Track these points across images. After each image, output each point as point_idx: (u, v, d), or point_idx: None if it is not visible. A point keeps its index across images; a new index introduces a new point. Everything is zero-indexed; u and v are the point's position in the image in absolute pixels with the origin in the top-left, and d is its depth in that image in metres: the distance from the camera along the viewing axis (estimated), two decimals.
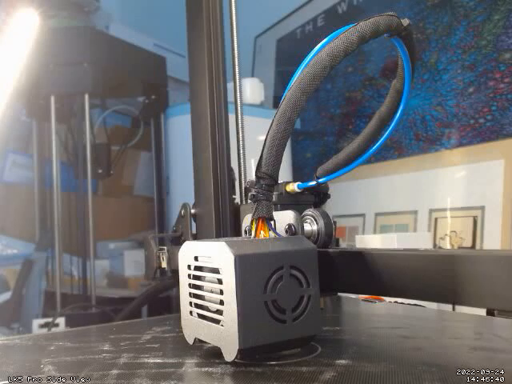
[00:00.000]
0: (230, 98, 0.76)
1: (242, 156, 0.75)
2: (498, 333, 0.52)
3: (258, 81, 1.85)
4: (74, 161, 1.82)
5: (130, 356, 0.44)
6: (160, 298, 1.80)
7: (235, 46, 0.78)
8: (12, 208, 1.92)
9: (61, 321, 1.47)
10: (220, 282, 0.38)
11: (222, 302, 0.38)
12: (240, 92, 0.78)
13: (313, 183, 0.51)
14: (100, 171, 1.81)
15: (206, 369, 0.39)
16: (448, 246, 1.44)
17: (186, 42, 0.78)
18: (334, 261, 0.45)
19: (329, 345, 0.45)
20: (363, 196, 1.78)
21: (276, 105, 2.11)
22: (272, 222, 0.42)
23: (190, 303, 0.43)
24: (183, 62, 2.12)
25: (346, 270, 0.45)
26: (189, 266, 0.43)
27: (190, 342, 0.43)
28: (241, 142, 0.76)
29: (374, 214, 1.72)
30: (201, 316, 0.42)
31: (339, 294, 0.70)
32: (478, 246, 1.37)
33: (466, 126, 1.49)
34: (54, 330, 1.42)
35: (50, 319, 1.47)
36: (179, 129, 1.77)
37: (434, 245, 1.45)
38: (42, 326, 1.45)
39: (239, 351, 0.36)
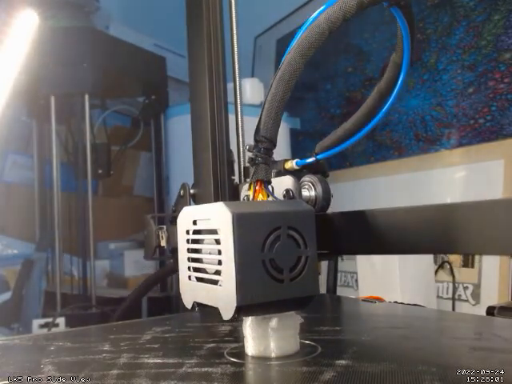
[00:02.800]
0: (230, 98, 0.76)
1: (242, 156, 0.75)
2: (498, 333, 0.52)
3: (258, 81, 1.85)
4: (74, 161, 1.82)
5: (130, 356, 0.44)
6: (160, 298, 1.81)
7: (235, 46, 0.78)
8: (12, 208, 1.92)
9: (61, 321, 1.47)
10: (218, 242, 0.38)
11: (220, 262, 0.38)
12: (240, 92, 0.78)
13: (311, 159, 0.51)
14: (100, 171, 1.81)
15: (206, 369, 0.39)
16: None
17: (186, 41, 0.78)
18: (332, 223, 0.45)
19: (329, 345, 0.45)
20: (363, 196, 1.78)
21: None
22: (270, 187, 0.42)
23: (189, 268, 0.43)
24: (183, 61, 2.12)
25: (346, 231, 0.45)
26: (187, 231, 0.43)
27: (189, 306, 0.43)
28: (241, 142, 0.76)
29: None
30: (199, 279, 0.42)
31: (338, 295, 0.70)
32: None
33: (465, 126, 1.49)
34: (53, 330, 1.42)
35: (50, 319, 1.47)
36: (179, 129, 1.77)
37: None
38: (42, 326, 1.45)
39: (237, 309, 0.36)
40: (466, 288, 1.38)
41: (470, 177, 1.43)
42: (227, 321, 0.37)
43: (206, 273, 0.40)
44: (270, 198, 0.42)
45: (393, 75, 0.48)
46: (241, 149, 0.76)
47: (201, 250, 0.41)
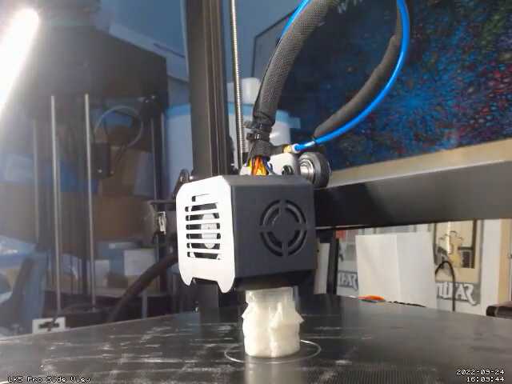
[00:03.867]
0: (230, 98, 0.76)
1: (242, 156, 0.75)
2: (498, 333, 0.52)
3: (258, 81, 1.85)
4: (73, 161, 1.82)
5: (130, 356, 0.44)
6: (160, 298, 1.81)
7: (235, 46, 0.78)
8: (12, 208, 1.91)
9: (61, 321, 1.47)
10: (217, 216, 0.38)
11: (218, 236, 0.38)
12: (240, 92, 0.78)
13: (310, 144, 0.51)
14: (100, 171, 1.81)
15: (206, 369, 0.39)
16: (448, 246, 1.44)
17: (186, 41, 0.78)
18: (332, 198, 0.45)
19: (329, 345, 0.45)
20: None
21: None
22: (269, 164, 0.42)
23: (188, 244, 0.43)
24: (183, 62, 2.12)
25: (345, 205, 0.45)
26: (186, 208, 0.43)
27: (188, 282, 0.43)
28: (241, 142, 0.76)
29: None
30: (198, 255, 0.42)
31: (338, 295, 0.70)
32: (477, 246, 1.37)
33: (465, 126, 1.49)
34: (54, 330, 1.42)
35: (50, 319, 1.47)
36: (179, 129, 1.77)
37: (434, 245, 1.45)
38: (42, 326, 1.45)
39: (235, 280, 0.36)
40: (466, 288, 1.38)
41: None
42: (226, 294, 0.37)
43: (205, 248, 0.41)
44: (269, 174, 0.42)
45: (392, 58, 0.48)
46: (241, 148, 0.76)
47: (199, 225, 0.41)
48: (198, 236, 0.42)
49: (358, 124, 0.52)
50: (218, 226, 0.38)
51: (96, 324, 0.66)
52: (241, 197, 0.36)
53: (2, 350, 0.51)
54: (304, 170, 0.49)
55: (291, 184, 0.40)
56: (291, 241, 0.38)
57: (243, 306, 0.44)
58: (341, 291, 1.70)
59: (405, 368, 0.36)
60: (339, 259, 1.68)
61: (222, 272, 0.37)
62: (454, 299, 1.39)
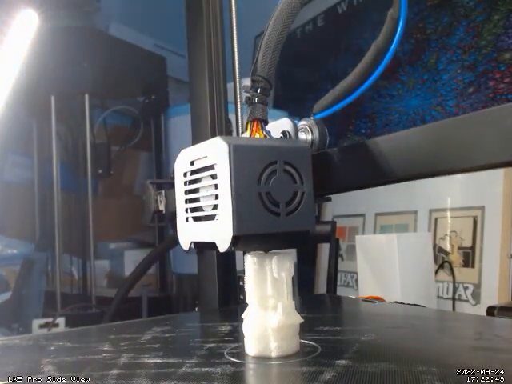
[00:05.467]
0: (230, 98, 0.76)
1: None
2: (498, 333, 0.52)
3: None
4: (74, 161, 1.82)
5: (130, 356, 0.44)
6: (160, 298, 1.81)
7: (235, 46, 0.78)
8: (12, 208, 1.91)
9: (61, 321, 1.47)
10: (215, 177, 0.38)
11: (217, 197, 0.38)
12: (240, 92, 0.78)
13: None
14: (100, 171, 1.81)
15: (206, 369, 0.39)
16: (448, 246, 1.44)
17: (186, 42, 0.78)
18: (331, 160, 0.45)
19: (329, 345, 0.45)
20: (363, 196, 1.78)
21: (276, 104, 2.11)
22: (267, 128, 0.42)
23: (186, 210, 0.43)
24: (183, 62, 2.12)
25: (345, 166, 0.44)
26: (185, 174, 0.43)
27: (186, 248, 0.44)
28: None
29: (374, 214, 1.72)
30: (196, 219, 0.42)
31: (338, 295, 0.70)
32: (477, 246, 1.37)
33: None
34: (53, 330, 1.42)
35: (50, 319, 1.47)
36: (179, 129, 1.77)
37: (434, 245, 1.45)
38: (41, 326, 1.45)
39: (233, 239, 0.36)
40: (466, 288, 1.38)
41: (470, 176, 1.43)
42: (223, 253, 0.37)
43: (203, 211, 0.41)
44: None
45: (390, 30, 0.48)
46: None
47: (198, 189, 0.41)
48: (196, 200, 0.42)
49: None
50: (216, 186, 0.38)
51: (96, 324, 0.66)
52: (238, 156, 0.36)
53: (2, 350, 0.51)
54: (302, 136, 0.49)
55: (289, 145, 0.40)
56: (289, 202, 0.38)
57: (243, 306, 0.44)
58: (341, 291, 1.70)
59: (405, 368, 0.36)
60: (339, 259, 1.68)
61: (220, 232, 0.37)
62: (453, 299, 1.39)
